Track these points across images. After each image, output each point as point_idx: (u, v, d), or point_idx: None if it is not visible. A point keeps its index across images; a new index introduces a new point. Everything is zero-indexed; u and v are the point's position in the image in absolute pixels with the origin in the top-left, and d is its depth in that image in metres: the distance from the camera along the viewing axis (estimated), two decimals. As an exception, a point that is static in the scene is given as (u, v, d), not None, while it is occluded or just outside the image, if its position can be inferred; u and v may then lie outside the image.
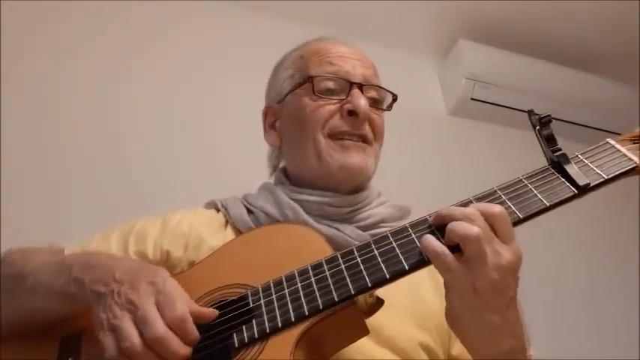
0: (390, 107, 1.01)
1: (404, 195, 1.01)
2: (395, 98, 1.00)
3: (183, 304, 0.66)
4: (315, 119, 0.93)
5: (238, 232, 0.92)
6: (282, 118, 1.01)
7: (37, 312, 0.78)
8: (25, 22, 1.75)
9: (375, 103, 0.98)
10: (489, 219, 0.65)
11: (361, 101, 0.91)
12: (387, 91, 1.00)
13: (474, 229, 0.63)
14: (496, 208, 0.65)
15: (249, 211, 0.94)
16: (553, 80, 2.18)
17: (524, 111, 0.77)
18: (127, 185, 1.61)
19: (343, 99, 0.93)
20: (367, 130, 0.94)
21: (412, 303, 0.86)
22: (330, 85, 0.94)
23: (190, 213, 0.97)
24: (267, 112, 1.05)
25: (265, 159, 1.09)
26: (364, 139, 0.94)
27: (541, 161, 0.75)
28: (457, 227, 0.64)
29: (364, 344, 0.75)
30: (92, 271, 0.71)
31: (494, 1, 2.10)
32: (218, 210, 0.98)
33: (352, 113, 0.92)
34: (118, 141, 1.70)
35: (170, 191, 1.59)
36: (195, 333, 0.65)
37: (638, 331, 1.96)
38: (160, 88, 1.82)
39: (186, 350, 0.64)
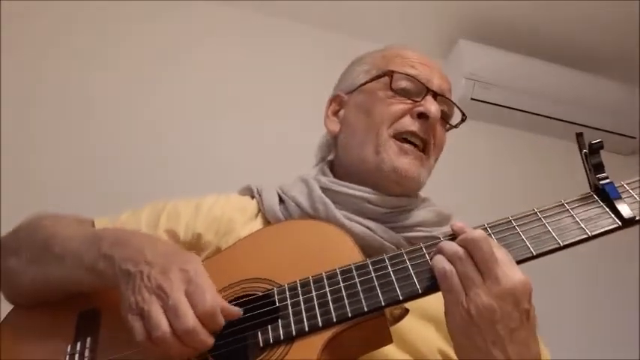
0: (457, 125, 1.02)
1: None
2: (464, 119, 1.02)
3: (214, 297, 0.65)
4: (386, 114, 0.93)
5: (267, 222, 0.91)
6: (349, 107, 1.01)
7: (62, 282, 0.77)
8: (27, 24, 1.75)
9: (444, 116, 0.98)
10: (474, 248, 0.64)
11: (433, 107, 0.92)
12: (460, 110, 1.01)
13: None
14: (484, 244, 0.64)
15: (282, 200, 0.92)
16: (553, 80, 2.17)
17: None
18: (129, 185, 1.61)
19: (416, 101, 0.94)
20: (431, 138, 0.94)
21: (436, 306, 0.82)
22: (407, 85, 0.95)
23: (223, 197, 0.96)
24: (332, 100, 1.05)
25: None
26: (425, 146, 0.94)
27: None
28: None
29: (386, 348, 0.73)
30: (123, 249, 0.71)
31: (494, 1, 2.10)
32: (253, 197, 0.97)
33: (422, 116, 0.92)
34: (119, 140, 1.71)
35: (172, 192, 1.59)
36: (222, 323, 0.65)
37: (638, 331, 1.96)
38: (162, 87, 1.82)
39: (212, 341, 0.64)
